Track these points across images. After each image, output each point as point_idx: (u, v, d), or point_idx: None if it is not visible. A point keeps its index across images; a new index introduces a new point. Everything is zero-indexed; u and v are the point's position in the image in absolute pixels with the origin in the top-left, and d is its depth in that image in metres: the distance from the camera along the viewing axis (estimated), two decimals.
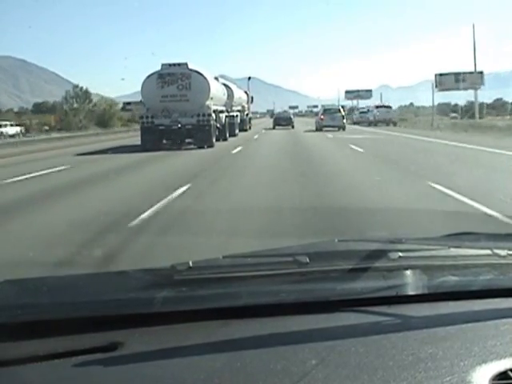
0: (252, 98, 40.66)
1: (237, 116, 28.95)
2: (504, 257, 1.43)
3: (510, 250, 1.46)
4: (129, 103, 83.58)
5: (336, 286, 1.28)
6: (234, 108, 28.16)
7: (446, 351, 1.01)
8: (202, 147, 19.33)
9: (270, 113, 72.03)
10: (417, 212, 6.15)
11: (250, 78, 39.29)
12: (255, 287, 1.27)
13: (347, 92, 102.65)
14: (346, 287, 1.27)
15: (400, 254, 1.38)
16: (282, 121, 43.42)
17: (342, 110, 37.39)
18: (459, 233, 1.70)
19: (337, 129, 34.28)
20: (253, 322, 1.15)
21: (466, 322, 1.14)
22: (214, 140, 20.35)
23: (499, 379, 0.94)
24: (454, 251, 1.49)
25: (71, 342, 1.06)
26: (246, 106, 36.38)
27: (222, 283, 1.27)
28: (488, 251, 1.47)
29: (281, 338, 1.09)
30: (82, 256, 4.33)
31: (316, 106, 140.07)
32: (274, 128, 41.17)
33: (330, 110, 37.81)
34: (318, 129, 34.98)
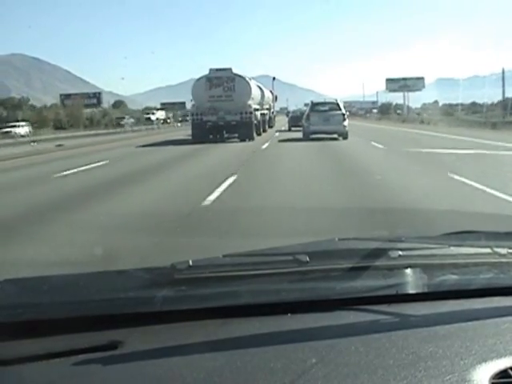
0: (276, 96, 40.92)
1: (266, 114, 31.60)
2: (504, 255, 1.43)
3: (510, 248, 1.45)
4: (69, 95, 67.17)
5: (336, 284, 1.28)
6: (264, 106, 30.32)
7: (446, 350, 1.01)
8: (244, 140, 22.61)
9: (285, 111, 66.37)
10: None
11: (274, 79, 37.94)
12: (255, 286, 1.27)
13: (389, 81, 77.09)
14: (346, 286, 1.27)
15: (400, 252, 1.38)
16: (299, 121, 31.06)
17: (340, 105, 23.25)
18: (459, 231, 1.69)
19: (336, 136, 21.94)
20: (253, 321, 1.15)
21: (466, 321, 1.14)
22: (254, 134, 23.69)
23: (499, 378, 0.94)
24: (454, 250, 1.49)
25: (71, 341, 1.06)
26: (272, 104, 37.96)
27: (222, 282, 1.27)
28: (488, 250, 1.46)
29: (281, 336, 1.09)
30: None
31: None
32: (289, 130, 33.60)
33: (321, 105, 23.64)
34: (305, 136, 22.37)
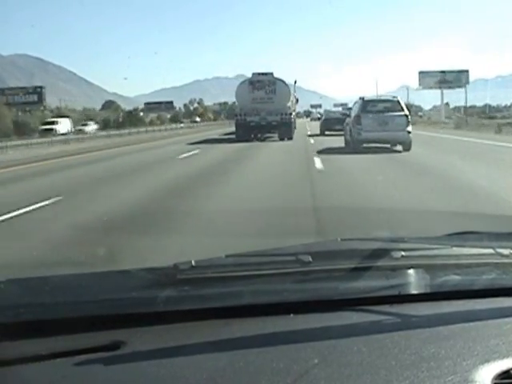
0: (297, 99, 42.03)
1: (294, 115, 33.69)
2: (507, 256, 1.43)
3: None
4: (2, 90, 48.48)
5: (338, 285, 1.28)
6: (292, 108, 32.10)
7: (448, 350, 1.01)
8: (283, 139, 24.56)
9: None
10: None
11: (295, 82, 37.63)
12: (258, 286, 1.27)
13: (424, 75, 59.43)
14: (348, 286, 1.27)
15: (402, 253, 1.38)
16: (334, 124, 28.30)
17: (402, 103, 16.71)
18: (462, 232, 1.69)
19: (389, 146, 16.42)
20: (255, 321, 1.15)
21: (468, 321, 1.14)
22: (292, 134, 25.66)
23: (502, 378, 0.94)
24: (456, 250, 1.49)
25: (73, 341, 1.06)
26: (295, 107, 39.45)
27: (225, 282, 1.27)
28: (491, 250, 1.46)
29: (283, 336, 1.09)
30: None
31: (345, 105, 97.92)
32: (322, 133, 29.43)
33: (376, 103, 16.98)
34: (353, 145, 16.20)
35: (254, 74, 26.75)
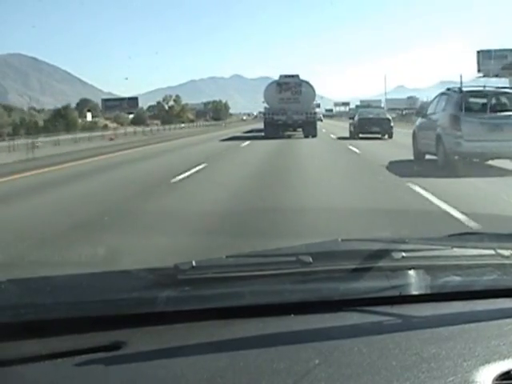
0: None
1: None
2: (507, 257, 1.43)
3: None
4: None
5: (339, 285, 1.28)
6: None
7: (449, 351, 1.01)
8: (308, 137, 26.33)
9: None
10: None
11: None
12: (258, 287, 1.27)
13: (484, 54, 43.28)
14: (349, 287, 1.27)
15: (403, 253, 1.38)
16: (372, 125, 24.40)
17: None
18: (462, 233, 1.70)
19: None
20: (256, 322, 1.15)
21: (469, 322, 1.14)
22: (316, 132, 27.33)
23: (502, 379, 0.94)
24: (457, 251, 1.49)
25: (74, 342, 1.06)
26: None
27: (226, 283, 1.27)
28: (491, 251, 1.47)
29: (284, 337, 1.09)
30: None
31: (347, 104, 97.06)
32: (354, 137, 24.52)
33: (481, 97, 10.91)
34: (442, 160, 10.58)
35: (281, 75, 29.05)
